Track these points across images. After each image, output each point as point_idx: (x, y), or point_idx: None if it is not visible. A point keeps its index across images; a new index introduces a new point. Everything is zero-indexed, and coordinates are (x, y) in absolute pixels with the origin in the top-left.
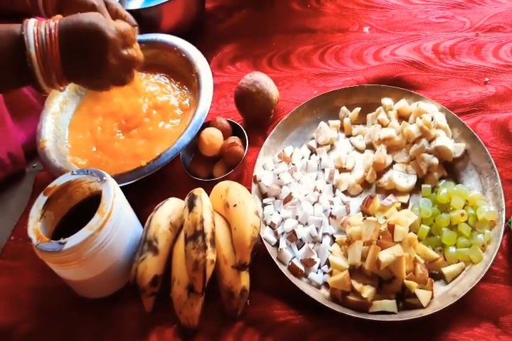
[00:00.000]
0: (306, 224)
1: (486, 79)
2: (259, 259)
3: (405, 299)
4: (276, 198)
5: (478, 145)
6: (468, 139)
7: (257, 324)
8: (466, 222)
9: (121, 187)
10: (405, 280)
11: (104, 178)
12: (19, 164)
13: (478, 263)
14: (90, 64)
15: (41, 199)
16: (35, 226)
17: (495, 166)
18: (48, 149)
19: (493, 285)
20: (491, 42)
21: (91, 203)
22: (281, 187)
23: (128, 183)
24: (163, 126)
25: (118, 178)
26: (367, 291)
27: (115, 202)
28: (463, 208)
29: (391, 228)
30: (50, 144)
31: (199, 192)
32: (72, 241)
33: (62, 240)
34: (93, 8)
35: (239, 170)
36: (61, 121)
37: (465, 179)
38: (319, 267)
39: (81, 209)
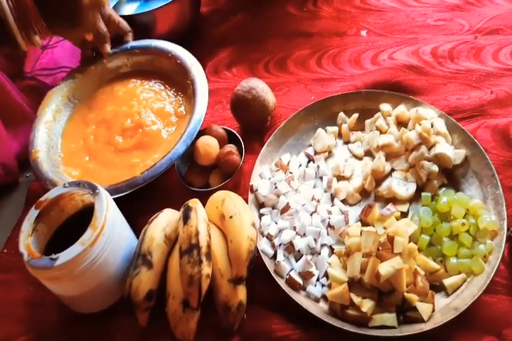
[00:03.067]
0: (304, 234)
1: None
2: (256, 272)
3: (406, 312)
4: (273, 208)
5: (479, 152)
6: (468, 146)
7: (254, 339)
8: (467, 231)
9: (114, 199)
10: (405, 293)
11: (97, 191)
12: (12, 174)
13: (480, 275)
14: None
15: (32, 213)
16: (26, 241)
17: (496, 174)
18: (41, 160)
19: (495, 297)
20: (491, 45)
21: (85, 215)
22: (278, 196)
23: (122, 195)
24: (159, 134)
25: (112, 190)
26: (366, 305)
27: (108, 216)
28: (464, 217)
29: (390, 239)
30: (43, 154)
31: (194, 203)
32: (64, 257)
33: (53, 256)
34: None
35: (235, 179)
36: (54, 130)
37: (465, 187)
38: (317, 279)
39: (75, 222)
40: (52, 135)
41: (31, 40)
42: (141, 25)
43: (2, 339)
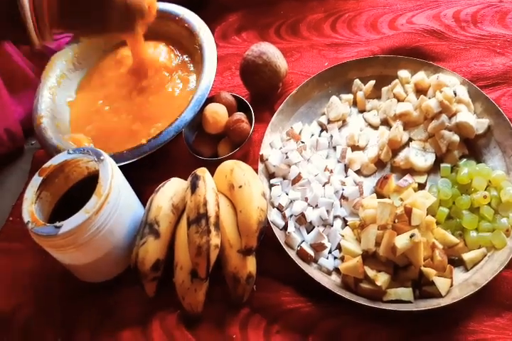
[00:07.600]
0: (316, 206)
1: None
2: (266, 243)
3: (422, 287)
4: (284, 178)
5: (503, 121)
6: (491, 114)
7: (263, 310)
8: (489, 204)
9: (120, 167)
10: (422, 267)
11: (102, 158)
12: (17, 141)
13: (502, 249)
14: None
15: (36, 180)
16: (30, 209)
17: None
18: (45, 126)
19: None
20: None
21: (90, 183)
22: (289, 166)
23: (127, 162)
24: (165, 100)
25: (117, 157)
26: (381, 279)
27: (113, 183)
28: (485, 189)
29: (408, 211)
30: (47, 121)
31: (202, 172)
32: (68, 224)
33: (57, 224)
34: None
35: (245, 148)
36: (58, 96)
37: (488, 157)
38: (330, 252)
39: (80, 189)
40: (56, 101)
41: (45, 37)
42: None
43: (9, 308)
